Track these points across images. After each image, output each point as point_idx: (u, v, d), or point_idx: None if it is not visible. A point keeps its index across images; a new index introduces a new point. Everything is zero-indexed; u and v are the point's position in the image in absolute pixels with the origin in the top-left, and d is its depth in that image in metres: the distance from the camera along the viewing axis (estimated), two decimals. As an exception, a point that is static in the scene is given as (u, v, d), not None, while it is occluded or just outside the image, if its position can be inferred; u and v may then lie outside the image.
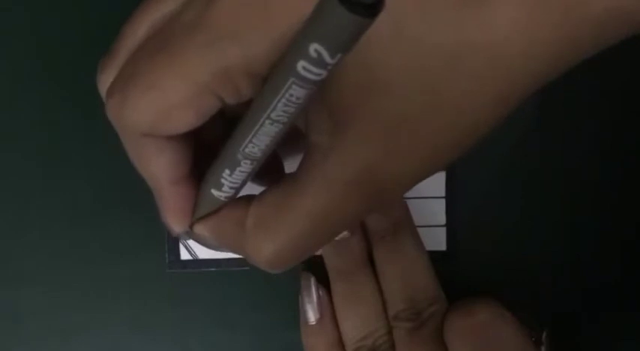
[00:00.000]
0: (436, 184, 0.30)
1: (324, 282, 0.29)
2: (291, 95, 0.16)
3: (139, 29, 0.20)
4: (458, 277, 0.30)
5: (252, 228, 0.20)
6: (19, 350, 0.30)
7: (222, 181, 0.20)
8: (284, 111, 0.16)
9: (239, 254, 0.22)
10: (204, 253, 0.30)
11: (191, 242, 0.30)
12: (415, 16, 0.17)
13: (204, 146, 0.21)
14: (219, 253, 0.30)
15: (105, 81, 0.20)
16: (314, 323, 0.29)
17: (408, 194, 0.29)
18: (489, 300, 0.27)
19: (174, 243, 0.30)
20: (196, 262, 0.30)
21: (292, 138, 0.18)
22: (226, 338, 0.31)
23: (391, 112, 0.18)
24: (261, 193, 0.21)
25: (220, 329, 0.31)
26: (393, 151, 0.18)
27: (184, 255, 0.30)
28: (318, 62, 0.14)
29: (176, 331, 0.31)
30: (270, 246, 0.20)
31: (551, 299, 0.31)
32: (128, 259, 0.30)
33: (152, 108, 0.18)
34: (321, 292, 0.29)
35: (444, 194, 0.30)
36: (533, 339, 0.27)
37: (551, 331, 0.28)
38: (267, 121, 0.17)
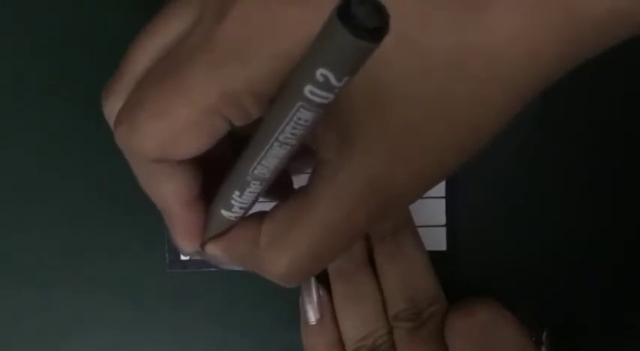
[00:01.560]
0: (436, 184, 0.30)
1: (324, 282, 0.29)
2: (299, 118, 0.16)
3: (144, 54, 0.20)
4: (458, 277, 0.30)
5: (266, 245, 0.21)
6: (19, 350, 0.30)
7: (232, 202, 0.20)
8: (292, 133, 0.16)
9: (253, 270, 0.22)
10: (204, 253, 0.30)
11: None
12: (416, 22, 0.17)
13: (213, 166, 0.21)
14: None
15: (111, 106, 0.20)
16: (314, 323, 0.29)
17: (408, 194, 0.29)
18: (490, 300, 0.27)
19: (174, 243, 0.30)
20: (196, 262, 0.30)
21: (300, 152, 0.18)
22: (226, 338, 0.31)
23: (396, 122, 0.18)
24: (273, 210, 0.21)
25: (220, 329, 0.31)
26: (401, 160, 0.18)
27: (184, 255, 0.30)
28: (325, 86, 0.14)
29: (176, 331, 0.31)
30: (285, 261, 0.20)
31: (551, 299, 0.31)
32: (128, 259, 0.30)
33: (161, 134, 0.18)
34: (321, 292, 0.29)
35: (444, 194, 0.30)
36: (534, 339, 0.27)
37: (551, 331, 0.28)
38: (276, 144, 0.17)
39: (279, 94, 0.17)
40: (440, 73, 0.17)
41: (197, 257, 0.24)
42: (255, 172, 0.18)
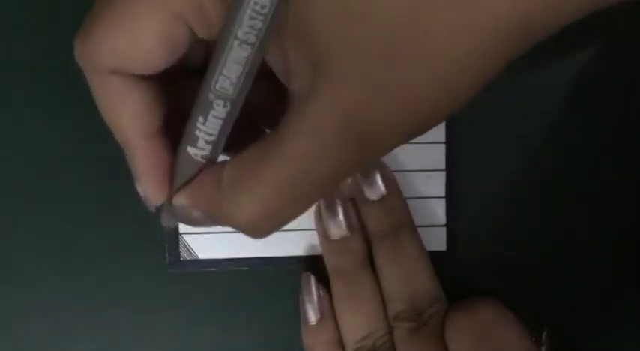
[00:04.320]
0: (436, 183, 0.30)
1: (324, 282, 0.29)
2: (256, 4, 0.15)
3: None
4: (458, 277, 0.30)
5: (228, 185, 0.19)
6: (18, 350, 0.30)
7: (197, 133, 0.19)
8: (250, 26, 0.16)
9: (221, 222, 0.20)
10: (204, 253, 0.30)
11: (191, 242, 0.30)
12: None
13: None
14: (219, 253, 0.30)
15: None
16: (314, 323, 0.29)
17: (408, 194, 0.30)
18: (490, 299, 0.27)
19: (174, 243, 0.30)
20: (196, 262, 0.30)
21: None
22: (226, 338, 0.31)
23: (368, 45, 0.16)
24: (240, 150, 0.19)
25: (220, 329, 0.31)
26: (376, 88, 0.17)
27: (184, 255, 0.30)
28: None
29: (176, 331, 0.30)
30: (250, 204, 0.18)
31: (551, 299, 0.31)
32: (128, 259, 0.30)
33: (120, 36, 0.18)
34: (321, 292, 0.29)
35: (444, 194, 0.30)
36: (534, 339, 0.27)
37: (551, 331, 0.28)
38: (236, 43, 0.16)
39: None
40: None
41: (168, 222, 0.22)
42: (217, 86, 0.18)
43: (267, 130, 0.24)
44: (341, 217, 0.28)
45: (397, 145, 0.18)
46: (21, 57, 0.29)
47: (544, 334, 0.28)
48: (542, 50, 0.30)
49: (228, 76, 0.17)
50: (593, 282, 0.31)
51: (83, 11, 0.28)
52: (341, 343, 0.29)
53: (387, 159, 0.29)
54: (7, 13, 0.29)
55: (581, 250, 0.31)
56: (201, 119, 0.19)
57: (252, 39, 0.16)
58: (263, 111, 0.22)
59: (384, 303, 0.28)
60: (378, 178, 0.28)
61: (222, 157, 0.20)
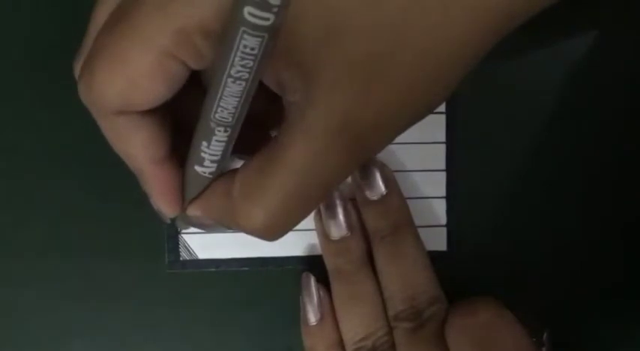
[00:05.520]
0: (436, 184, 0.30)
1: (324, 282, 0.29)
2: (245, 46, 0.16)
3: (104, 8, 0.20)
4: (458, 277, 0.30)
5: (238, 195, 0.20)
6: (18, 350, 0.30)
7: (203, 155, 0.20)
8: (242, 65, 0.16)
9: (233, 228, 0.21)
10: (204, 253, 0.30)
11: (191, 242, 0.30)
12: None
13: (189, 132, 0.21)
14: (219, 253, 0.30)
15: (78, 68, 0.21)
16: (314, 324, 0.29)
17: (408, 194, 0.30)
18: (491, 300, 0.27)
19: (174, 243, 0.30)
20: (196, 262, 0.30)
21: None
22: (226, 338, 0.31)
23: (355, 53, 0.17)
24: (246, 161, 0.21)
25: (220, 329, 0.31)
26: (365, 93, 0.18)
27: (184, 255, 0.30)
28: (263, 5, 0.15)
29: (176, 332, 0.30)
30: (259, 210, 0.19)
31: (551, 299, 0.31)
32: (128, 259, 0.30)
33: (118, 82, 0.18)
34: (321, 293, 0.29)
35: (444, 194, 0.30)
36: (534, 339, 0.27)
37: (551, 331, 0.28)
38: (230, 80, 0.17)
39: (225, 26, 0.17)
40: (397, 5, 0.17)
41: (182, 226, 0.23)
42: (217, 116, 0.18)
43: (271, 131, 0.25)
44: (341, 217, 0.28)
45: (390, 140, 0.20)
46: (21, 57, 0.29)
47: (544, 335, 0.28)
48: (541, 51, 0.30)
49: (226, 107, 0.18)
50: (593, 282, 0.31)
51: (84, 18, 0.28)
52: (341, 343, 0.29)
53: (387, 159, 0.29)
54: (7, 13, 0.29)
55: (581, 250, 0.31)
56: (205, 143, 0.20)
57: (245, 76, 0.17)
58: (265, 115, 0.22)
59: (383, 303, 0.28)
60: (378, 178, 0.28)
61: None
